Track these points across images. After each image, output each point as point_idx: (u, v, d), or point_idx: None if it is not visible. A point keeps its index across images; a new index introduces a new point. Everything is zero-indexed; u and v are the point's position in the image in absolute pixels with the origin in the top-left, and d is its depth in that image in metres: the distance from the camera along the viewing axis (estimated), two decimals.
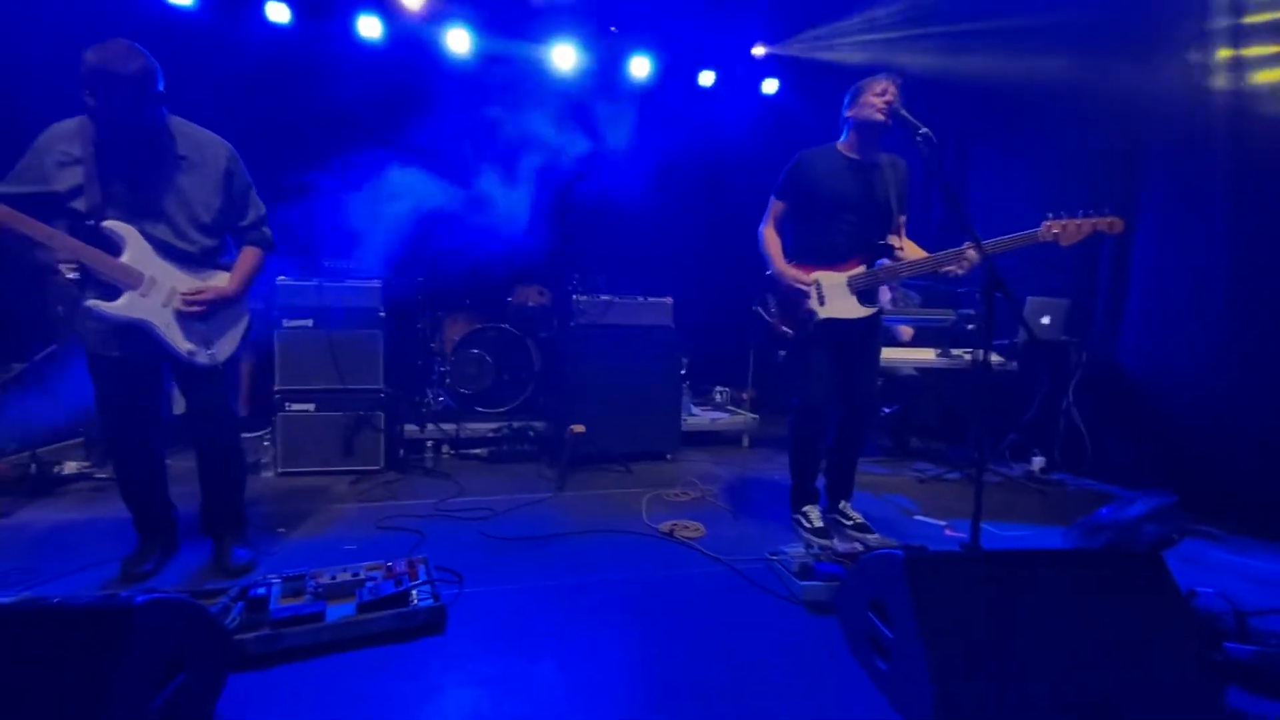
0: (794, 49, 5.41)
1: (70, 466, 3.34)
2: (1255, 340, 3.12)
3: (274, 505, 3.05)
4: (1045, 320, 3.92)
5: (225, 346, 2.29)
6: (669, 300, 4.24)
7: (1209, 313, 3.32)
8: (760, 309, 2.87)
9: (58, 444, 3.96)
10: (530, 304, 4.74)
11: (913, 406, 4.46)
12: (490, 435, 4.19)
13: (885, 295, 2.71)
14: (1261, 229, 3.11)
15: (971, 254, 2.39)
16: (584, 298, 4.08)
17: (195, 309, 2.16)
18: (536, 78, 5.29)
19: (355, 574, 2.06)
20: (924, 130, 2.29)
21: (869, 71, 2.64)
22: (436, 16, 4.95)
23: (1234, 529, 2.98)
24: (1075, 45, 3.93)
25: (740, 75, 5.85)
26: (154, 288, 2.11)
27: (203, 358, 2.22)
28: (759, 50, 5.56)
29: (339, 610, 1.90)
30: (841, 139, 2.73)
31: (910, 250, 2.67)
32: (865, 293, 2.67)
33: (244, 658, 1.70)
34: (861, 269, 2.66)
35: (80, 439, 3.73)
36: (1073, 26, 3.92)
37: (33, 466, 3.15)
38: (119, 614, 1.23)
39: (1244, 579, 2.46)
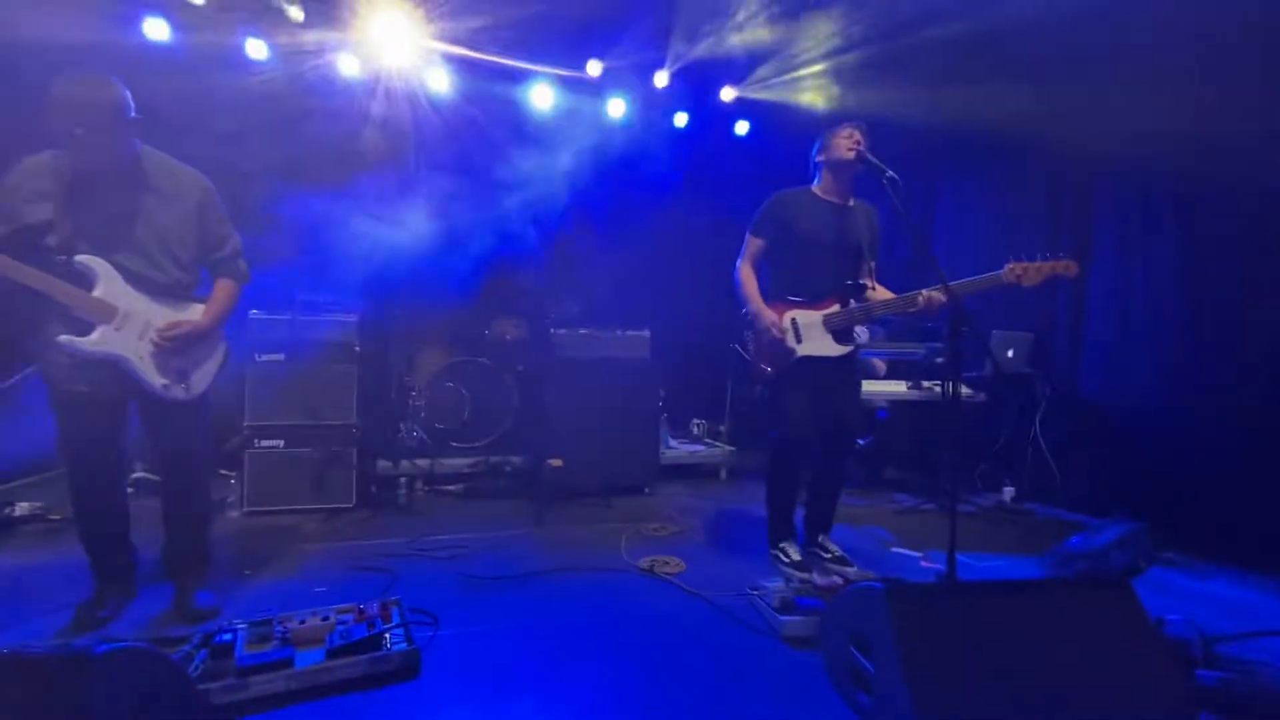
0: (760, 92, 5.61)
1: (23, 507, 3.18)
2: (1210, 366, 3.26)
3: (240, 546, 2.94)
4: (1010, 353, 4.05)
5: (200, 380, 2.24)
6: (646, 333, 4.27)
7: (1164, 342, 3.46)
8: (739, 347, 2.90)
9: (9, 483, 3.79)
10: (507, 337, 4.73)
11: (887, 437, 4.52)
12: (466, 470, 4.13)
13: (863, 334, 2.78)
14: (1211, 260, 3.27)
15: (937, 296, 2.49)
16: (561, 331, 4.10)
17: (170, 344, 2.12)
18: (516, 116, 5.39)
19: (325, 617, 1.99)
20: (890, 174, 2.40)
21: (835, 116, 2.77)
22: (417, 58, 5.03)
23: (1197, 555, 3.06)
24: (1032, 86, 4.14)
25: (713, 116, 6.04)
26: (128, 321, 2.07)
27: (178, 391, 2.17)
28: (728, 94, 5.76)
29: (308, 656, 1.83)
30: (815, 182, 2.83)
31: (881, 293, 2.76)
32: (840, 331, 2.73)
33: (209, 708, 1.62)
34: (836, 308, 2.72)
35: (34, 478, 3.58)
36: (1030, 68, 4.13)
37: None
38: (78, 664, 1.17)
39: (1209, 605, 2.52)
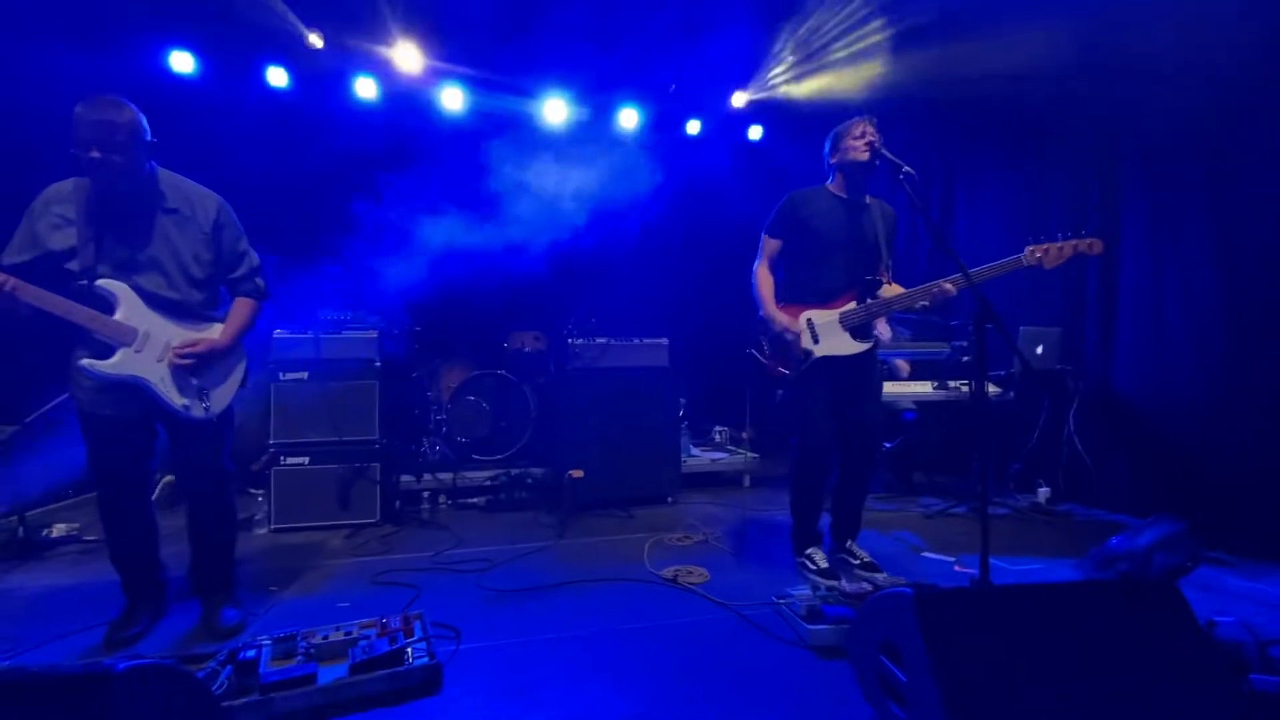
0: (773, 92, 5.58)
1: (59, 529, 3.27)
2: (1251, 355, 3.12)
3: (266, 563, 2.97)
4: (1039, 349, 3.93)
5: (220, 399, 2.27)
6: (665, 341, 4.25)
7: (1202, 330, 3.33)
8: (755, 351, 2.86)
9: (46, 506, 3.90)
10: (526, 349, 4.75)
11: (914, 440, 4.42)
12: (488, 483, 4.13)
13: (885, 332, 2.73)
14: (1249, 242, 3.14)
15: (948, 286, 2.43)
16: (579, 341, 4.09)
17: (188, 362, 2.15)
18: (530, 131, 5.44)
19: (348, 633, 1.99)
20: (906, 169, 2.35)
21: (847, 110, 2.73)
22: (432, 77, 5.12)
23: (1248, 554, 2.92)
24: (1054, 69, 4.05)
25: (725, 122, 6.03)
26: (148, 343, 2.11)
27: (198, 411, 2.20)
28: (739, 99, 5.74)
29: (331, 671, 1.83)
30: (829, 180, 2.79)
31: (897, 290, 2.70)
32: (858, 328, 2.69)
33: None
34: (853, 305, 2.68)
35: (70, 500, 3.67)
36: (1051, 50, 4.03)
37: (20, 530, 3.08)
38: (99, 682, 1.18)
39: (1262, 606, 2.40)
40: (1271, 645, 1.77)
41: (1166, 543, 2.31)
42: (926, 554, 3.08)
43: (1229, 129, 3.19)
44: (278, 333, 3.64)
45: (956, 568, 2.89)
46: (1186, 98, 3.35)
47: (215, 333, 2.26)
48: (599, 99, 5.56)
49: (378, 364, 3.76)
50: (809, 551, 2.82)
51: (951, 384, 4.11)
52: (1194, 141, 3.35)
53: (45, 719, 1.15)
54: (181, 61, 4.58)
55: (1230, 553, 2.93)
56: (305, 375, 3.60)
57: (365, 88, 5.05)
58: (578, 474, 3.63)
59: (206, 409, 2.21)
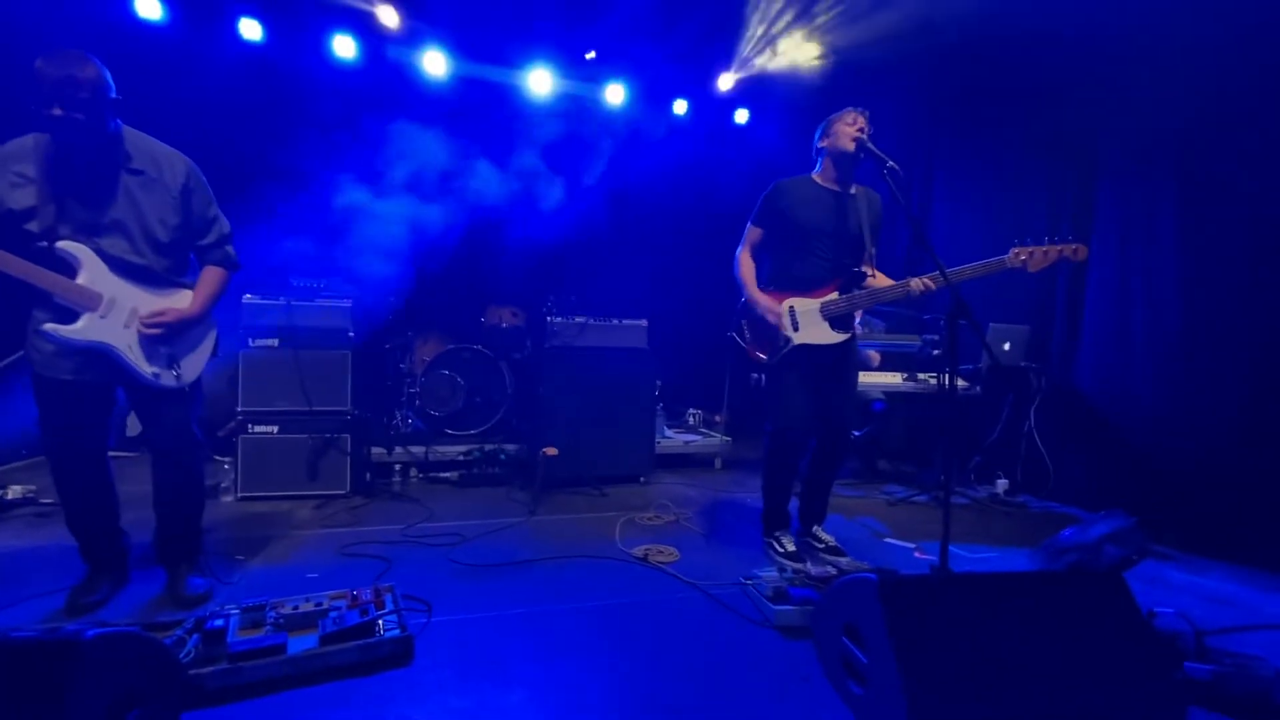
0: (756, 71, 5.53)
1: (14, 491, 3.17)
2: (1207, 361, 3.25)
3: (233, 531, 2.94)
4: (1006, 346, 4.05)
5: (191, 367, 2.22)
6: (644, 323, 4.25)
7: (1163, 336, 3.46)
8: (735, 335, 2.89)
9: (2, 467, 3.77)
10: (504, 325, 4.71)
11: (882, 429, 4.53)
12: (461, 458, 4.12)
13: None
14: (1213, 251, 3.25)
15: (930, 283, 2.49)
16: (558, 319, 4.07)
17: (157, 331, 2.09)
18: (512, 101, 5.33)
19: (318, 604, 1.99)
20: (890, 164, 2.38)
21: (836, 97, 2.74)
22: (413, 39, 4.97)
23: (1190, 549, 3.08)
24: (1034, 72, 4.11)
25: (713, 104, 5.99)
26: (113, 309, 2.03)
27: (168, 379, 2.14)
28: (725, 81, 5.69)
29: (301, 642, 1.82)
30: (816, 169, 2.81)
31: (881, 280, 2.74)
32: (838, 319, 2.72)
33: (201, 694, 1.62)
34: (835, 295, 2.71)
35: (24, 461, 3.55)
36: (1032, 54, 4.10)
37: None
38: (66, 648, 1.17)
39: (1202, 599, 2.54)
40: (1208, 636, 1.88)
41: (1116, 536, 2.43)
42: (889, 540, 3.18)
43: (1202, 137, 3.28)
44: (247, 297, 3.54)
45: (917, 554, 2.99)
46: (1162, 105, 3.44)
47: (184, 300, 2.19)
48: (585, 72, 5.47)
49: (351, 334, 3.70)
50: (777, 534, 2.89)
51: (921, 376, 4.21)
52: (1167, 149, 3.44)
53: (13, 683, 1.13)
54: (148, 7, 4.36)
55: (1176, 548, 3.09)
56: (275, 342, 3.52)
57: (344, 46, 4.88)
58: (551, 451, 3.64)
59: (177, 377, 2.16)
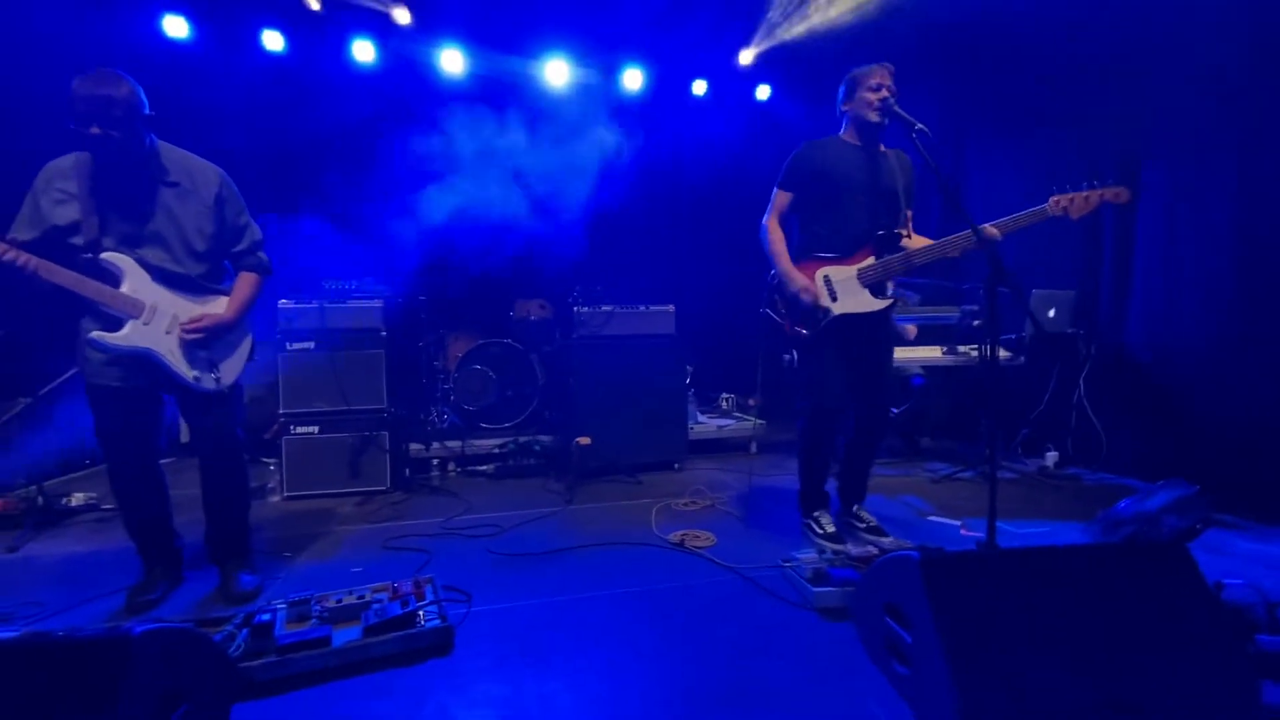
0: (779, 40, 5.37)
1: (77, 498, 3.32)
2: (1266, 321, 3.06)
3: (280, 530, 3.03)
4: (1051, 313, 3.87)
5: (230, 370, 2.29)
6: (671, 308, 4.21)
7: (1218, 295, 3.26)
8: (769, 310, 2.77)
9: (64, 476, 3.97)
10: (532, 317, 4.73)
11: (922, 405, 4.40)
12: (496, 451, 4.17)
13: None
14: (1268, 208, 3.06)
15: (985, 233, 2.34)
16: (585, 309, 4.07)
17: (196, 335, 2.17)
18: (531, 94, 5.32)
19: (361, 596, 2.03)
20: (920, 126, 2.28)
21: (857, 59, 2.62)
22: (429, 38, 5.00)
23: (1258, 517, 2.91)
24: (1072, 28, 3.90)
25: (733, 82, 5.87)
26: (156, 315, 2.12)
27: (209, 383, 2.22)
28: (746, 56, 5.56)
29: (345, 634, 1.87)
30: (842, 129, 2.71)
31: (917, 240, 2.63)
32: (876, 285, 2.61)
33: (250, 685, 1.67)
34: (871, 260, 2.60)
35: (87, 470, 3.73)
36: (1070, 10, 3.88)
37: (39, 500, 3.14)
38: (117, 645, 1.21)
39: (1272, 567, 2.40)
40: None
41: (1177, 506, 2.30)
42: (933, 518, 3.09)
43: (1262, 92, 3.05)
44: (283, 303, 3.63)
45: (963, 531, 2.90)
46: (1216, 53, 3.22)
47: (220, 306, 2.27)
48: (602, 60, 5.42)
49: (384, 333, 3.76)
50: (815, 515, 2.83)
51: (961, 349, 4.07)
52: (1224, 104, 3.22)
53: (68, 680, 1.18)
54: (175, 26, 4.48)
55: (1241, 516, 2.92)
56: (311, 345, 3.61)
57: (363, 50, 4.93)
58: (585, 441, 3.64)
59: (217, 380, 2.23)
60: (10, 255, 1.89)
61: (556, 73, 5.26)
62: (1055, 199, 2.31)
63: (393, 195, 4.57)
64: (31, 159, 2.13)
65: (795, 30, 5.19)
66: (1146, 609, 1.56)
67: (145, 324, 2.10)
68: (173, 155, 2.19)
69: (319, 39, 4.90)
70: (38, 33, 3.87)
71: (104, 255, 2.05)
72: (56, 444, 3.82)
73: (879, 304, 2.61)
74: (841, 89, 2.66)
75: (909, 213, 2.68)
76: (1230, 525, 2.85)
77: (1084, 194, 2.28)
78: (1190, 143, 3.39)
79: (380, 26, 4.94)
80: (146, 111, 2.06)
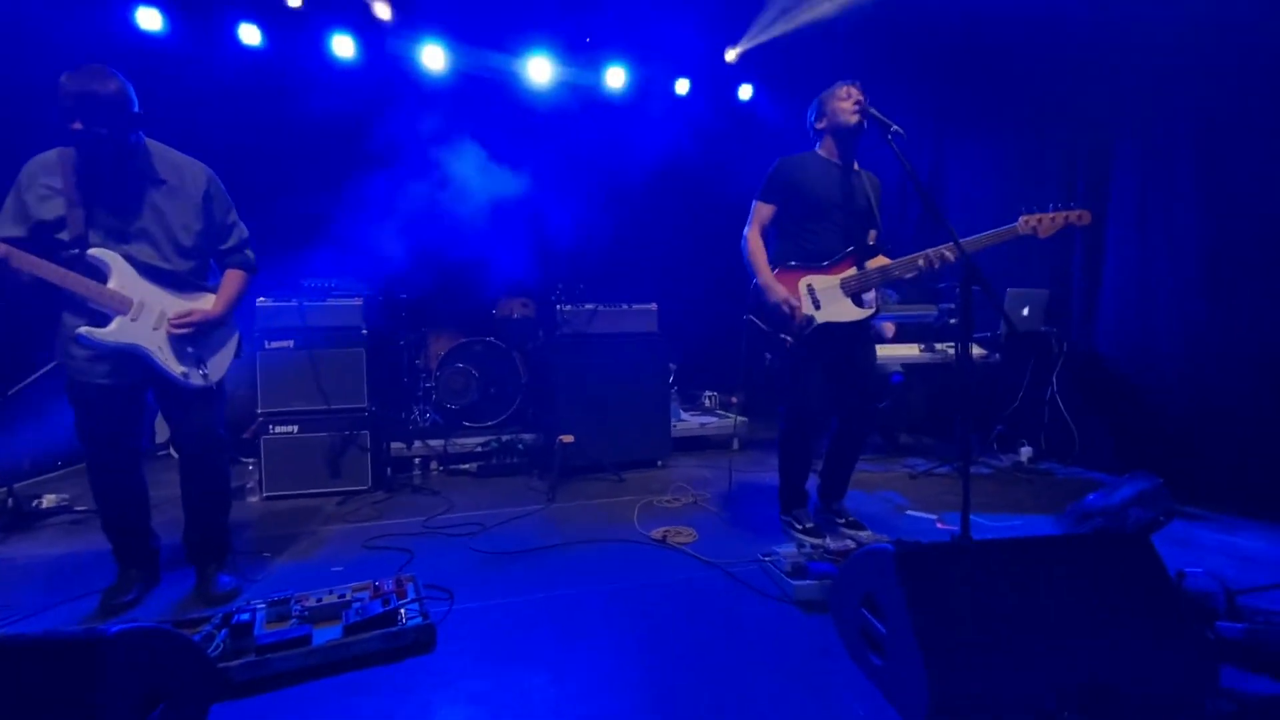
0: (761, 40, 5.40)
1: (49, 500, 3.27)
2: (1231, 319, 3.16)
3: (259, 530, 3.00)
4: (1025, 311, 3.96)
5: (217, 367, 2.28)
6: (654, 306, 4.24)
7: (1185, 296, 3.36)
8: (754, 317, 2.79)
9: (35, 478, 3.89)
10: (515, 316, 4.73)
11: (900, 402, 4.47)
12: (479, 450, 4.16)
13: (871, 296, 2.71)
14: (1233, 208, 3.15)
15: (948, 254, 2.45)
16: (568, 307, 4.07)
17: (184, 331, 2.15)
18: (513, 91, 5.31)
19: (342, 595, 2.02)
20: (895, 128, 2.34)
21: (840, 65, 2.67)
22: (410, 33, 4.96)
23: (1220, 509, 3.01)
24: (1046, 35, 3.98)
25: (715, 82, 5.91)
26: (143, 311, 2.10)
27: (196, 379, 2.20)
28: (729, 54, 5.59)
29: (326, 633, 1.86)
30: (817, 147, 2.75)
31: (881, 261, 2.69)
32: (857, 295, 2.67)
33: (230, 686, 1.66)
34: (853, 270, 2.66)
35: (59, 471, 3.66)
36: (1045, 14, 3.96)
37: (9, 501, 3.08)
38: (93, 646, 1.20)
39: (1232, 558, 2.48)
40: (1240, 595, 1.83)
41: (1142, 498, 2.38)
42: (910, 512, 3.14)
43: (1225, 96, 3.15)
44: (262, 300, 3.59)
45: (939, 524, 2.96)
46: (1183, 62, 3.31)
47: (207, 303, 2.25)
48: (584, 58, 5.42)
49: (364, 331, 3.73)
50: (795, 511, 2.87)
51: (938, 346, 4.14)
52: (1189, 107, 3.32)
53: (43, 682, 1.17)
54: (149, 19, 4.40)
55: (1206, 508, 3.02)
56: (291, 344, 3.57)
57: (343, 46, 4.89)
58: (568, 439, 3.65)
59: (204, 376, 2.22)
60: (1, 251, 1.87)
61: (539, 70, 5.25)
62: (1025, 219, 2.42)
63: (373, 192, 4.54)
64: (8, 154, 2.09)
65: (778, 30, 5.23)
66: (1112, 598, 1.61)
67: (133, 320, 2.07)
68: (160, 153, 2.18)
69: (298, 34, 4.85)
70: (7, 22, 3.79)
71: (90, 251, 2.03)
72: (27, 444, 3.74)
73: (861, 313, 2.67)
74: (811, 110, 2.73)
75: (874, 232, 2.73)
76: (1194, 516, 2.94)
77: (1050, 215, 2.40)
78: (1160, 145, 3.49)
79: (360, 22, 4.89)
80: (134, 109, 2.04)
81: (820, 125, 2.70)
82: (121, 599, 2.17)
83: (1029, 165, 4.22)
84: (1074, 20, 3.81)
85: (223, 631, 1.79)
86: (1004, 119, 4.40)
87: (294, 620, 1.91)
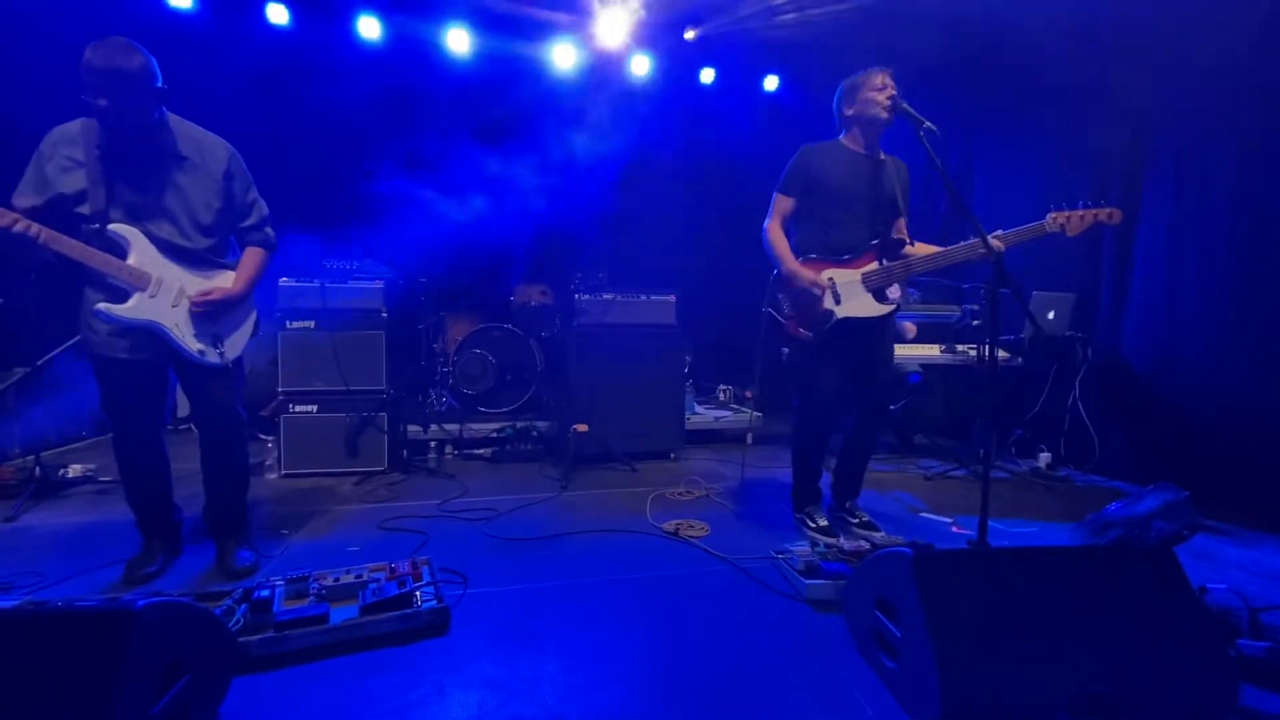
0: (783, 30, 5.29)
1: (75, 470, 3.34)
2: (1263, 330, 3.09)
3: (277, 507, 3.05)
4: (1051, 315, 3.89)
5: (235, 345, 2.30)
6: (672, 298, 4.22)
7: (1215, 304, 3.29)
8: (773, 310, 2.76)
9: (61, 447, 3.98)
10: (533, 303, 4.73)
11: (918, 402, 4.43)
12: (494, 435, 4.18)
13: (895, 292, 2.66)
14: (1269, 218, 3.07)
15: (981, 249, 2.37)
16: (586, 296, 4.07)
17: (205, 309, 2.17)
18: (537, 77, 5.28)
19: (359, 575, 2.05)
20: (928, 124, 2.28)
21: (867, 56, 2.61)
22: (436, 17, 4.94)
23: (1246, 524, 2.95)
24: (1081, 33, 3.89)
25: (741, 72, 5.83)
26: (162, 288, 2.11)
27: (213, 357, 2.22)
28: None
29: (342, 612, 1.89)
30: (842, 135, 2.70)
31: (920, 249, 2.64)
32: (879, 290, 2.63)
33: (248, 660, 1.69)
34: (875, 265, 2.61)
35: (85, 441, 3.73)
36: (1079, 14, 3.87)
37: (37, 470, 3.15)
38: (121, 618, 1.22)
39: (1257, 574, 2.44)
40: (1263, 612, 1.80)
41: (1165, 510, 2.33)
42: (925, 515, 3.12)
43: (1267, 99, 3.06)
44: (284, 281, 3.63)
45: (954, 529, 2.93)
46: (1224, 62, 3.22)
47: (227, 280, 2.27)
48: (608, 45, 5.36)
49: (384, 314, 3.76)
50: (808, 509, 2.86)
51: (960, 348, 4.09)
52: (1225, 110, 3.23)
53: (70, 651, 1.19)
54: None
55: (1230, 522, 2.97)
56: (312, 324, 3.61)
57: (369, 27, 4.88)
58: (582, 428, 3.66)
59: (221, 354, 2.24)
60: (21, 226, 1.87)
61: (564, 56, 5.21)
62: (1053, 215, 2.35)
63: (396, 176, 4.55)
64: (32, 127, 2.11)
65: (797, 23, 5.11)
66: (1132, 611, 1.59)
67: (151, 297, 2.09)
68: (183, 129, 2.18)
69: (324, 14, 4.85)
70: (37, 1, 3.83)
71: (111, 226, 2.04)
72: (54, 415, 3.82)
73: (882, 309, 2.62)
74: (838, 95, 2.66)
75: (903, 220, 2.68)
76: (1218, 531, 2.89)
77: (1079, 213, 2.33)
78: (1196, 148, 3.40)
79: (387, 3, 4.88)
80: (159, 85, 2.03)
81: (849, 112, 2.63)
82: (145, 570, 2.22)
83: (1060, 166, 4.14)
84: (1110, 20, 3.71)
85: (243, 606, 1.83)
86: (1036, 118, 4.31)
87: (312, 598, 1.94)
